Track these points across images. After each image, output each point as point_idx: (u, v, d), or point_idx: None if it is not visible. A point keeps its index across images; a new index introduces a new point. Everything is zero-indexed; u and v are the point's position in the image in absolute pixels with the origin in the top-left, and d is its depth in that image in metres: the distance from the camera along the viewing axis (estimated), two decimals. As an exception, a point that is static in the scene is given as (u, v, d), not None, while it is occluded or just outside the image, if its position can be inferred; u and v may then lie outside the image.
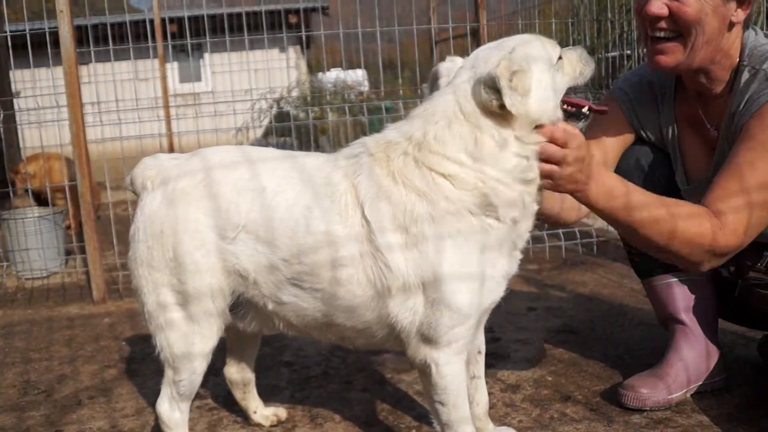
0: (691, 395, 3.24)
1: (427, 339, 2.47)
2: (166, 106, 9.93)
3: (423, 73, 6.21)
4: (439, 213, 2.36)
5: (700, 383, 3.26)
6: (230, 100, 6.92)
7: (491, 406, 3.25)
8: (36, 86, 6.14)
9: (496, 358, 3.84)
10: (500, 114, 2.33)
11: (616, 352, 3.83)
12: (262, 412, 3.27)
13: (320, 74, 13.98)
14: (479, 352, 2.88)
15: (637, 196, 2.62)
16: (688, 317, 3.27)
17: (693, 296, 3.28)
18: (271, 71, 7.84)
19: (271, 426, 3.25)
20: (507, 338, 4.12)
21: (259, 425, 3.26)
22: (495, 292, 2.52)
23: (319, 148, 12.37)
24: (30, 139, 7.05)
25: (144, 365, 3.98)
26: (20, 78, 8.12)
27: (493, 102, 2.31)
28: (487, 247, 2.41)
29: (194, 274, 2.56)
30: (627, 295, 4.86)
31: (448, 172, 2.37)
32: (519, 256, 2.57)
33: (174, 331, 2.65)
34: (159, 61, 10.31)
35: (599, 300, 4.81)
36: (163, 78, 10.39)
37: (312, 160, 2.64)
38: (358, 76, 12.57)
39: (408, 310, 2.45)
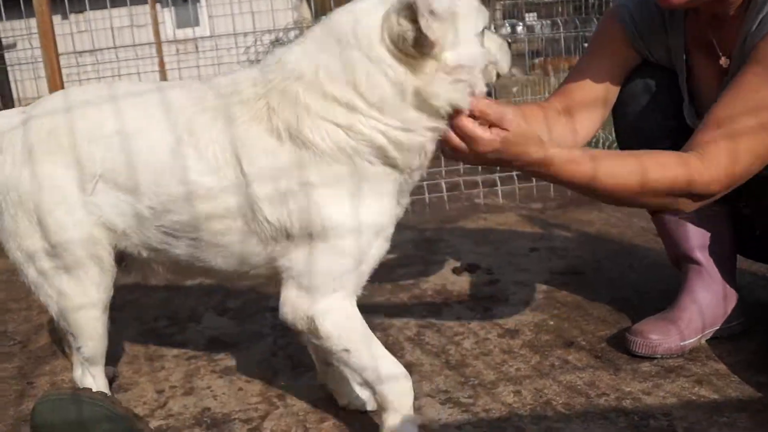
0: (706, 341, 2.97)
1: (311, 288, 2.22)
2: (160, 53, 9.61)
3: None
4: (330, 168, 2.12)
5: (716, 328, 2.98)
6: (224, 45, 6.67)
7: (486, 353, 3.02)
8: (31, 35, 5.89)
9: (494, 301, 3.58)
10: (409, 59, 2.02)
11: (624, 295, 3.54)
12: None
13: (324, 18, 13.71)
14: None
15: (604, 163, 2.30)
16: (703, 256, 2.99)
17: (708, 233, 2.99)
18: (276, 13, 7.54)
19: None
20: (506, 280, 3.86)
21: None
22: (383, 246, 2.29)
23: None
24: (24, 91, 6.88)
25: (123, 313, 3.75)
26: (11, 28, 7.91)
27: (408, 34, 1.98)
28: (380, 193, 2.19)
29: (61, 233, 2.36)
30: (636, 234, 4.56)
31: (342, 123, 2.10)
32: (406, 201, 2.38)
33: (61, 296, 2.47)
34: (150, 4, 9.94)
35: (606, 240, 4.51)
36: (155, 23, 10.02)
37: (178, 94, 2.35)
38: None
39: (291, 261, 2.23)
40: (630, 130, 2.97)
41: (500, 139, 2.10)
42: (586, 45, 6.13)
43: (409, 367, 2.91)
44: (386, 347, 3.00)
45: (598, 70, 2.87)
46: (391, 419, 2.29)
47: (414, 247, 4.54)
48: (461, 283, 3.84)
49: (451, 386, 2.77)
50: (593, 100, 2.85)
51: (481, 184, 5.61)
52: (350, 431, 2.54)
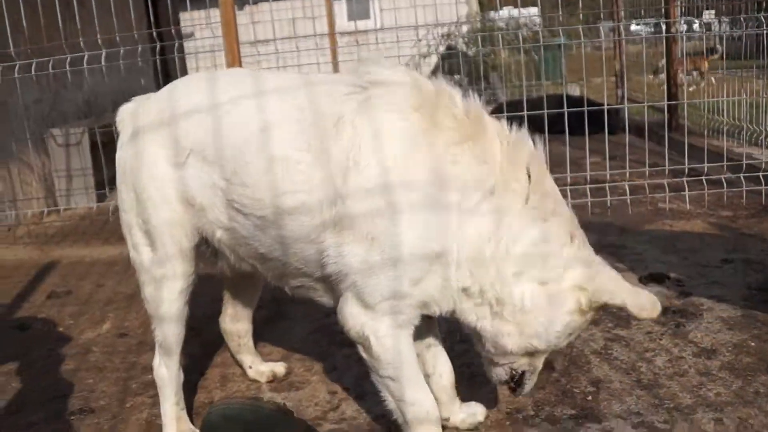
0: None
1: (365, 303, 2.15)
2: (333, 45, 9.68)
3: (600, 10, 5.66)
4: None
5: None
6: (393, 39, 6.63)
7: (681, 373, 2.80)
8: (211, 25, 6.00)
9: (686, 316, 3.33)
10: None
11: (835, 317, 3.22)
12: (257, 368, 3.07)
13: (492, 12, 13.63)
14: (430, 318, 2.42)
15: None
16: None
17: None
18: (440, 6, 7.46)
19: (268, 382, 3.03)
20: (699, 293, 3.59)
21: (254, 381, 3.04)
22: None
23: (489, 84, 11.97)
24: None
25: (293, 308, 3.70)
26: (190, 18, 8.13)
27: None
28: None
29: (152, 209, 2.46)
30: (843, 249, 4.16)
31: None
32: None
33: (145, 273, 2.56)
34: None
35: (810, 254, 4.14)
36: (330, 15, 10.09)
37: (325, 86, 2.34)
38: (531, 13, 12.13)
39: (353, 255, 2.13)
40: None
41: None
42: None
43: (597, 383, 2.74)
44: (570, 359, 2.86)
45: None
46: None
47: (596, 251, 4.29)
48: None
49: (644, 408, 2.58)
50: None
51: (667, 187, 5.29)
52: (535, 450, 2.38)
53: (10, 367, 3.33)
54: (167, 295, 2.54)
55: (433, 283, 2.14)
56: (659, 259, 4.13)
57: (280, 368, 3.06)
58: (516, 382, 2.35)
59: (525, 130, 2.20)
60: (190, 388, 2.87)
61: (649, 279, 3.80)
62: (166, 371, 2.65)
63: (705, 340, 3.07)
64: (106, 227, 5.81)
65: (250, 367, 3.04)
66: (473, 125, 2.15)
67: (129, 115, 2.59)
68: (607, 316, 3.36)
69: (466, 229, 2.09)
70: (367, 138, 2.12)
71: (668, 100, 7.46)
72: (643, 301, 2.14)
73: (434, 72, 11.83)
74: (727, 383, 2.70)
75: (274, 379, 3.02)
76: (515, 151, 2.15)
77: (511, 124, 2.22)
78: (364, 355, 2.25)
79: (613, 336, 3.16)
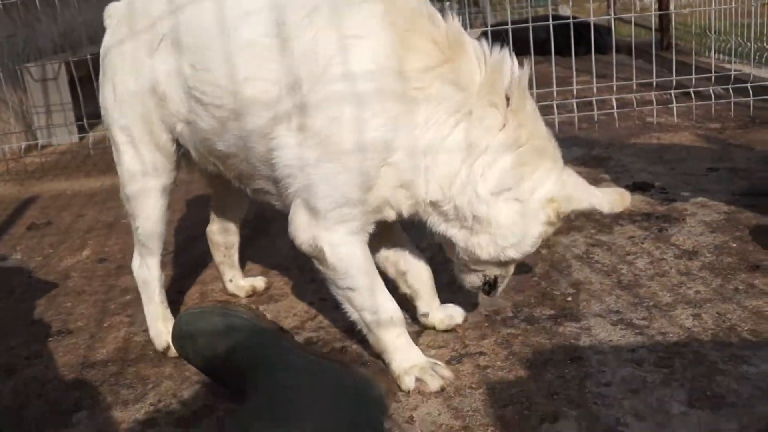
0: None
1: (315, 211, 2.11)
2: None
3: None
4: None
5: None
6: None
7: (662, 274, 2.77)
8: None
9: (669, 221, 3.30)
10: None
11: (818, 218, 3.18)
12: (237, 282, 3.04)
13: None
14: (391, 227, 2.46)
15: None
16: None
17: None
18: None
19: (247, 296, 3.01)
20: (683, 200, 3.55)
21: (234, 295, 3.02)
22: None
23: (479, 8, 11.81)
24: None
25: (275, 224, 3.69)
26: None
27: None
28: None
29: (129, 102, 2.44)
30: (830, 155, 4.12)
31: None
32: None
33: (126, 171, 2.54)
34: None
35: (795, 161, 4.09)
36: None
37: None
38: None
39: (304, 156, 2.08)
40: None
41: None
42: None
43: (577, 285, 2.72)
44: (552, 264, 2.84)
45: None
46: (394, 359, 2.23)
47: (581, 164, 4.26)
48: (633, 202, 3.53)
49: (623, 307, 2.55)
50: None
51: (655, 101, 5.22)
52: (511, 351, 2.36)
53: (-11, 297, 3.31)
54: (149, 192, 2.51)
55: (387, 189, 2.11)
56: (645, 170, 4.08)
57: (259, 283, 3.03)
58: (490, 286, 2.36)
59: (506, 51, 2.11)
60: (169, 305, 2.84)
61: (633, 188, 3.76)
62: (148, 271, 2.63)
63: (687, 243, 3.03)
64: (88, 161, 5.76)
65: (231, 281, 3.02)
66: (452, 48, 2.08)
67: (114, 9, 2.55)
68: (590, 222, 3.33)
69: (437, 148, 2.07)
70: (335, 41, 2.03)
71: (659, 18, 7.36)
72: (610, 197, 2.16)
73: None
74: (707, 282, 2.68)
75: (254, 294, 3.00)
76: (495, 75, 2.08)
77: (492, 46, 2.13)
78: (319, 267, 2.21)
79: (595, 241, 3.13)
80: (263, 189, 2.35)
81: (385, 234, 2.45)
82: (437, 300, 2.56)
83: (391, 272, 2.56)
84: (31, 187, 5.33)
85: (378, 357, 2.31)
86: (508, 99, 2.09)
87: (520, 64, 2.13)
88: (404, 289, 2.57)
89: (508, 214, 2.12)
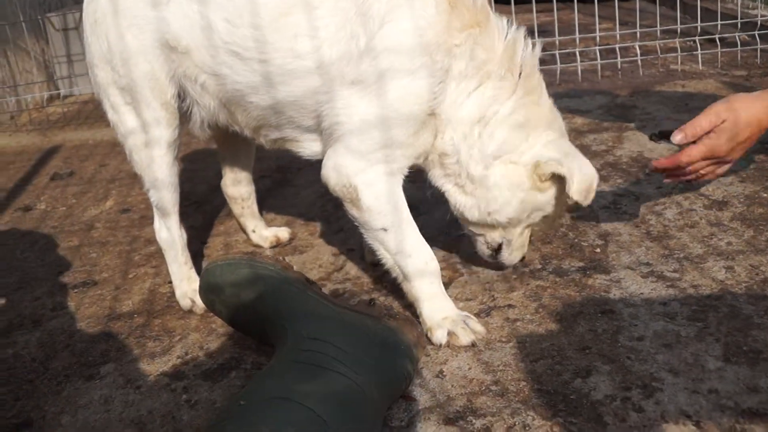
0: None
1: (358, 151, 2.13)
2: None
3: None
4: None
5: None
6: None
7: (692, 225, 2.74)
8: None
9: (697, 170, 3.23)
10: None
11: None
12: (261, 233, 3.02)
13: None
14: None
15: None
16: None
17: None
18: None
19: (271, 247, 2.98)
20: (711, 149, 3.48)
21: (257, 246, 3.00)
22: None
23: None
24: None
25: (299, 176, 3.64)
26: None
27: None
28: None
29: (131, 60, 2.33)
30: None
31: None
32: None
33: (130, 135, 2.46)
34: None
35: (825, 108, 4.00)
36: None
37: None
38: None
39: (359, 107, 2.10)
40: None
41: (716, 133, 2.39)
42: None
43: (605, 236, 2.68)
44: (579, 214, 2.80)
45: None
46: (426, 308, 2.21)
47: (605, 112, 4.20)
48: (660, 151, 3.51)
49: (654, 259, 2.52)
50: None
51: (679, 48, 5.13)
52: (541, 304, 2.34)
53: (14, 247, 3.30)
54: (157, 154, 2.46)
55: (427, 138, 2.18)
56: (671, 118, 4.01)
57: (283, 233, 3.01)
58: (495, 252, 2.40)
59: (522, 29, 2.23)
60: (192, 257, 2.82)
61: (659, 136, 3.67)
62: (167, 233, 2.60)
63: (716, 193, 2.99)
64: (109, 110, 5.70)
65: (254, 232, 2.99)
66: (481, 13, 2.15)
67: None
68: (616, 171, 3.28)
69: (460, 103, 2.15)
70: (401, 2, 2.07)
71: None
72: (581, 187, 2.17)
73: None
74: (739, 233, 2.64)
75: (277, 244, 2.98)
76: (513, 48, 2.19)
77: (509, 24, 2.23)
78: (352, 211, 2.20)
79: (622, 191, 3.08)
80: (287, 137, 2.34)
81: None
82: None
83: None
84: (53, 137, 5.30)
85: (409, 307, 2.30)
86: (520, 72, 2.19)
87: (533, 42, 2.25)
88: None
89: (497, 178, 2.20)
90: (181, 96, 2.41)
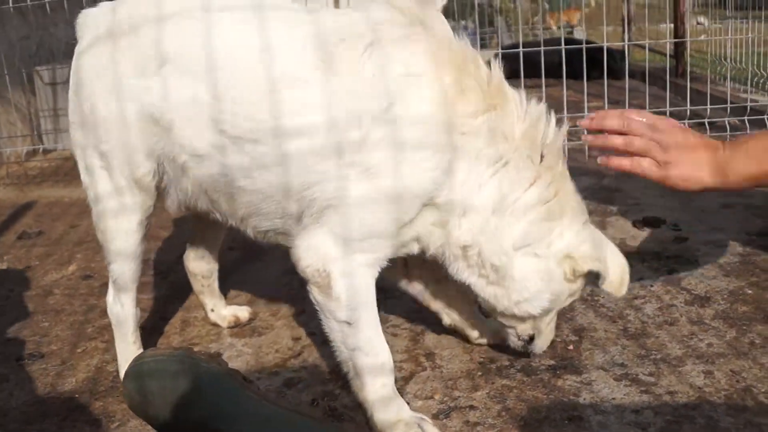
0: None
1: (342, 237, 2.00)
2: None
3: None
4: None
5: None
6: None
7: (671, 322, 2.61)
8: None
9: (681, 262, 3.12)
10: None
11: (840, 265, 3.00)
12: (219, 312, 2.87)
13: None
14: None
15: None
16: None
17: None
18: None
19: (229, 327, 2.84)
20: (695, 239, 3.38)
21: (215, 325, 2.86)
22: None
23: (494, 28, 11.69)
24: None
25: (268, 252, 3.52)
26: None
27: None
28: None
29: (110, 127, 2.21)
30: None
31: None
32: None
33: (99, 202, 2.35)
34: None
35: (816, 200, 3.91)
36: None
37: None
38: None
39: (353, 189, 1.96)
40: None
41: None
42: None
43: (580, 332, 2.55)
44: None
45: None
46: (378, 411, 2.07)
47: (590, 195, 4.08)
48: (643, 239, 3.39)
49: (629, 359, 2.38)
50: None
51: (668, 130, 5.04)
52: (505, 407, 2.19)
53: (-36, 310, 3.16)
54: (124, 226, 2.33)
55: (423, 227, 2.08)
56: (657, 204, 3.91)
57: (243, 312, 2.86)
58: (527, 343, 2.30)
59: (543, 106, 2.11)
60: (148, 332, 2.69)
61: (643, 223, 3.60)
62: (121, 309, 2.46)
63: (699, 287, 2.86)
64: (89, 168, 5.61)
65: (212, 311, 2.85)
66: (495, 95, 2.04)
67: (92, 19, 2.33)
68: (596, 261, 3.15)
69: (473, 196, 2.04)
70: (395, 79, 1.96)
71: (675, 45, 7.20)
72: (614, 279, 2.15)
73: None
74: (720, 333, 2.50)
75: (236, 324, 2.83)
76: (534, 130, 2.08)
77: (529, 98, 2.11)
78: (318, 296, 2.05)
79: (602, 282, 2.95)
80: (274, 229, 2.21)
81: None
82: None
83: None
84: (29, 193, 5.21)
85: (359, 407, 2.15)
86: (542, 156, 2.07)
87: (557, 122, 2.11)
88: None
89: (525, 269, 2.09)
90: (158, 173, 2.29)
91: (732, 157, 2.18)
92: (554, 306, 2.19)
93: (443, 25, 2.09)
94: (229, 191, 2.17)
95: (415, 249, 2.14)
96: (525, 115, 2.08)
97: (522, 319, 2.20)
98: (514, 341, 2.31)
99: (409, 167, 1.94)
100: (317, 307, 2.09)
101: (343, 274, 2.00)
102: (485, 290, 2.16)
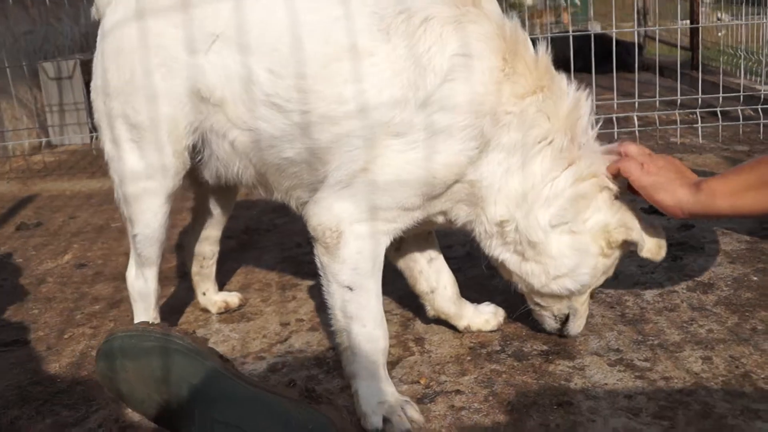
0: None
1: (369, 204, 1.99)
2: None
3: None
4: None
5: None
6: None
7: (672, 308, 2.53)
8: None
9: (685, 249, 3.05)
10: None
11: None
12: (210, 297, 2.82)
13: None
14: (429, 233, 2.45)
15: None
16: None
17: None
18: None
19: (219, 312, 2.78)
20: (702, 226, 3.29)
21: (205, 310, 2.81)
22: None
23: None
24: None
25: (265, 237, 3.46)
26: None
27: None
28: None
29: (150, 100, 2.17)
30: None
31: None
32: None
33: (129, 174, 2.28)
34: None
35: (827, 189, 3.80)
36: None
37: None
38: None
39: (394, 162, 1.97)
40: None
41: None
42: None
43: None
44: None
45: None
46: (363, 389, 2.02)
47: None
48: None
49: (625, 345, 2.31)
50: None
51: (679, 120, 4.96)
52: (492, 392, 2.12)
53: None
54: (156, 199, 2.30)
55: (450, 203, 2.11)
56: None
57: (233, 299, 2.81)
58: (562, 324, 2.31)
59: (587, 91, 2.16)
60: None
61: (650, 211, 3.50)
62: (144, 284, 2.43)
63: (703, 274, 2.78)
64: (95, 162, 5.60)
65: (204, 294, 2.81)
66: (543, 77, 2.07)
67: None
68: (597, 247, 3.07)
69: (513, 173, 2.07)
70: (448, 56, 1.95)
71: (690, 36, 7.09)
72: (651, 244, 2.18)
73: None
74: (722, 319, 2.42)
75: (226, 310, 2.78)
76: (577, 111, 2.12)
77: (571, 82, 2.15)
78: (324, 257, 2.02)
79: (602, 269, 2.87)
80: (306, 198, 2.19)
81: (423, 244, 2.45)
82: (469, 306, 2.50)
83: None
84: (32, 186, 5.19)
85: (344, 390, 2.09)
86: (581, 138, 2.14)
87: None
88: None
89: (561, 246, 2.11)
90: (197, 148, 2.27)
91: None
92: (591, 282, 2.18)
93: (494, 6, 2.09)
94: (274, 162, 2.16)
95: (440, 221, 2.17)
96: (569, 98, 2.10)
97: (560, 297, 2.20)
98: (550, 323, 2.31)
99: (448, 144, 1.94)
100: (321, 271, 2.06)
101: (357, 237, 1.99)
102: (521, 267, 2.16)
